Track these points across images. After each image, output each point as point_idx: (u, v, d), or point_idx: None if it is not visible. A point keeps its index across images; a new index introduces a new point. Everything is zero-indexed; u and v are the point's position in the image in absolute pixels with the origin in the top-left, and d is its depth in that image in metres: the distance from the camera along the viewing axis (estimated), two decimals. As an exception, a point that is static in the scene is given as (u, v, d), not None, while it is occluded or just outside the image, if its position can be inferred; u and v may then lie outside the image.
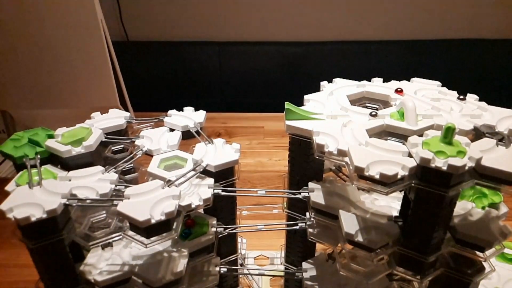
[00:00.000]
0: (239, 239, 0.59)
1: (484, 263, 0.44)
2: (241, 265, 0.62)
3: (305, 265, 0.53)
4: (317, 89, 0.53)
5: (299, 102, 0.49)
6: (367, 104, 0.51)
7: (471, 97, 0.49)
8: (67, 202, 0.37)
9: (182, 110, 0.55)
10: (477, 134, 0.42)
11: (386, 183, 0.35)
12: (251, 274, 0.61)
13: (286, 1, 1.60)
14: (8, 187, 0.40)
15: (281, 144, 1.08)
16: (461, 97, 0.48)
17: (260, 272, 0.59)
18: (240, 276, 0.60)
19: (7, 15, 0.78)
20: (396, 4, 1.61)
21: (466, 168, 0.34)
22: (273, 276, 0.60)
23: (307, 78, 1.60)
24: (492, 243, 0.40)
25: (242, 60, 1.63)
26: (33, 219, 0.35)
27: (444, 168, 0.34)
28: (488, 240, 0.40)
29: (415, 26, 1.64)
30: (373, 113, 0.44)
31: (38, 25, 0.79)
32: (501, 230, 0.41)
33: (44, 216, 0.36)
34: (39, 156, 0.43)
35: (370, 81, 0.54)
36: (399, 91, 0.49)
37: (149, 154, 0.48)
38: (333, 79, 0.55)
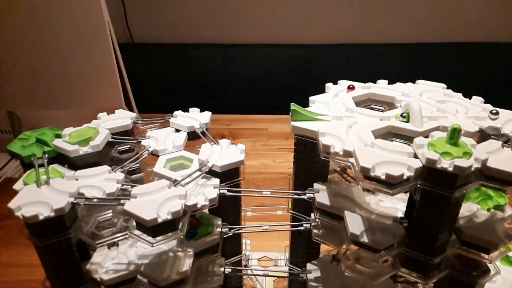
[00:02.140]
0: (243, 240, 0.59)
1: (489, 265, 0.44)
2: (245, 266, 0.62)
3: (309, 266, 0.53)
4: (321, 91, 0.53)
5: (303, 104, 0.49)
6: (372, 106, 0.51)
7: (477, 99, 0.49)
8: (75, 201, 0.38)
9: (188, 111, 0.55)
10: (482, 136, 0.42)
11: (391, 183, 0.35)
12: (256, 275, 0.61)
13: (290, 4, 1.61)
14: (16, 186, 0.40)
15: (285, 146, 1.09)
16: (494, 111, 0.44)
17: (265, 273, 0.59)
18: (244, 277, 0.60)
19: (14, 16, 0.79)
20: (400, 8, 1.61)
21: (472, 169, 0.34)
22: (278, 277, 0.60)
23: (311, 80, 1.60)
24: (498, 245, 0.40)
25: (246, 62, 1.64)
26: (41, 217, 0.36)
27: (450, 169, 0.34)
28: (493, 241, 0.40)
29: (418, 29, 1.64)
30: (404, 114, 0.44)
31: (45, 26, 0.80)
32: (506, 232, 0.41)
33: (52, 214, 0.36)
34: (46, 155, 0.44)
35: (374, 83, 0.55)
36: (350, 87, 0.49)
37: (155, 154, 0.48)
38: (338, 81, 0.56)
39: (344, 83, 0.55)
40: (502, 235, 0.41)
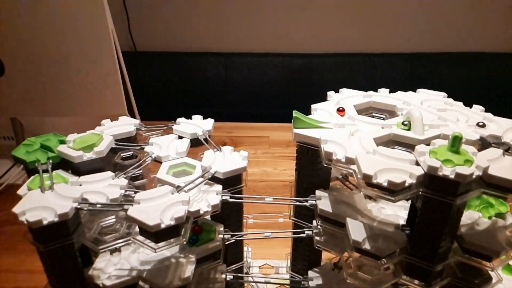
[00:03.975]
0: (244, 248, 0.59)
1: (491, 273, 0.44)
2: (246, 273, 0.62)
3: (311, 273, 0.53)
4: (321, 100, 0.54)
5: (304, 113, 0.49)
6: (374, 114, 0.52)
7: (477, 108, 0.49)
8: (78, 206, 0.38)
9: (190, 118, 0.56)
10: (483, 144, 0.42)
11: (393, 190, 0.35)
12: (257, 282, 0.61)
13: (292, 13, 1.62)
14: (20, 191, 0.41)
15: (286, 154, 1.09)
16: (480, 123, 0.45)
17: (266, 280, 0.59)
18: (246, 284, 0.60)
19: (19, 24, 0.80)
20: (400, 18, 1.63)
21: (474, 176, 0.34)
22: (279, 284, 0.60)
23: (312, 89, 1.61)
24: (500, 252, 0.40)
25: (247, 71, 1.65)
26: (45, 222, 0.36)
27: (452, 176, 0.34)
28: (495, 249, 0.40)
29: (419, 39, 1.66)
30: (405, 122, 0.44)
31: (50, 33, 0.81)
32: (508, 240, 0.41)
33: (56, 219, 0.36)
34: (51, 161, 0.44)
35: (375, 92, 0.55)
36: (340, 110, 0.48)
37: (158, 161, 0.48)
38: (340, 89, 0.56)
39: (345, 92, 0.56)
40: (504, 243, 0.41)
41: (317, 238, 0.48)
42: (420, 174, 0.35)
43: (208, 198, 0.43)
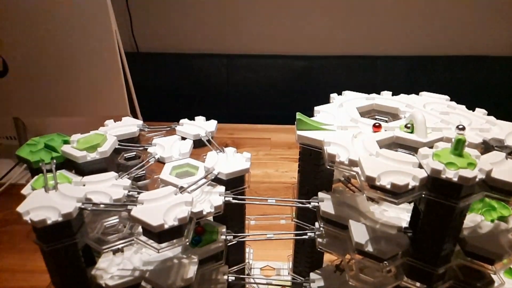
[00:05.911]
0: (246, 249, 0.59)
1: (493, 276, 0.44)
2: (248, 274, 0.62)
3: (312, 275, 0.53)
4: (323, 102, 0.54)
5: (306, 115, 0.49)
6: (376, 116, 0.52)
7: (480, 112, 0.49)
8: (82, 206, 0.38)
9: (193, 120, 0.56)
10: (486, 147, 0.42)
11: (397, 193, 0.35)
12: (259, 284, 0.61)
13: (294, 15, 1.63)
14: (24, 191, 0.41)
15: (287, 155, 1.09)
16: (460, 126, 0.43)
17: (268, 281, 0.59)
18: (247, 285, 0.60)
19: (22, 24, 0.80)
20: (404, 20, 1.63)
21: (477, 179, 0.34)
22: (281, 286, 0.60)
23: (314, 91, 1.61)
24: (502, 255, 0.40)
25: (249, 72, 1.65)
26: (49, 222, 0.36)
27: (455, 179, 0.34)
28: (497, 252, 0.40)
29: (422, 42, 1.66)
30: (408, 125, 0.44)
31: (53, 34, 0.81)
32: (510, 243, 0.41)
33: (60, 219, 0.36)
34: (54, 161, 0.44)
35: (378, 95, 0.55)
36: (377, 126, 0.46)
37: (161, 162, 0.49)
38: (343, 92, 0.56)
39: (349, 94, 0.56)
40: (506, 246, 0.41)
41: (319, 240, 0.48)
42: (423, 177, 0.35)
43: (211, 199, 0.43)
